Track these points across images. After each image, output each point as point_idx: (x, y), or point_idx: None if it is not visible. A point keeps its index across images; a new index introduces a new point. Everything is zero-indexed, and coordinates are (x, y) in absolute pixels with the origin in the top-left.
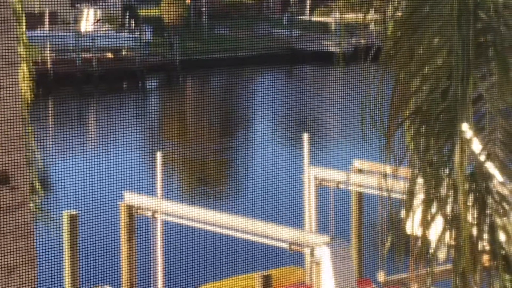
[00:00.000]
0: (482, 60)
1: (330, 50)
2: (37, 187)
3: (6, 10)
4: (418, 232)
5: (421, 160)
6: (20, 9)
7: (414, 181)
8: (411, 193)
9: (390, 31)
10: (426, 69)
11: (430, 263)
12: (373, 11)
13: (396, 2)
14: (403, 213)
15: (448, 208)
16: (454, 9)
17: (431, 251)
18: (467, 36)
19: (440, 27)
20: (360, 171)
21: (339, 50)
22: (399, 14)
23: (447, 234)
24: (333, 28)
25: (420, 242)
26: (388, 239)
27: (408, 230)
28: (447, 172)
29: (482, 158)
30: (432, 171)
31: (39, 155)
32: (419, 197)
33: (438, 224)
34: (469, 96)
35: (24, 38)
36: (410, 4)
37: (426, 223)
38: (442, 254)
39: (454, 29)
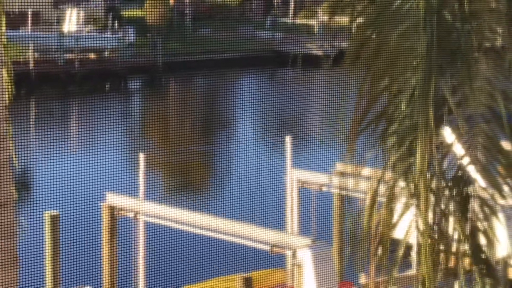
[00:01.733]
0: (447, 62)
1: (314, 52)
2: (18, 187)
3: None
4: (398, 235)
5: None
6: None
7: (393, 184)
8: (390, 196)
9: (354, 34)
10: (393, 71)
11: (409, 266)
12: (356, 15)
13: (361, 6)
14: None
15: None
16: (421, 9)
17: (412, 254)
18: (432, 37)
19: (406, 29)
20: (343, 174)
21: (321, 52)
22: (363, 17)
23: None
24: (316, 30)
25: (396, 245)
26: (369, 242)
27: (396, 235)
28: (428, 176)
29: (464, 162)
30: (404, 174)
31: (20, 156)
32: (399, 201)
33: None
34: (433, 97)
35: (3, 38)
36: (376, 8)
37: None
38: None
39: (419, 31)
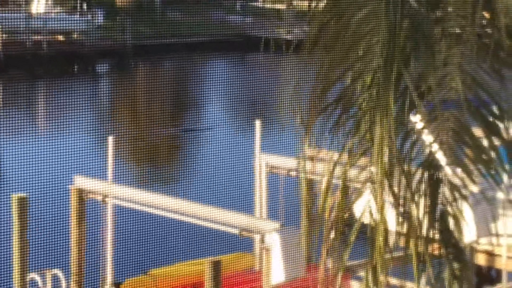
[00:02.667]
0: (410, 47)
1: (283, 37)
2: None
3: None
4: (367, 220)
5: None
6: None
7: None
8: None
9: (315, 19)
10: (352, 56)
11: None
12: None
13: None
14: (354, 200)
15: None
16: None
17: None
18: (395, 21)
19: (368, 13)
20: (311, 158)
21: (290, 37)
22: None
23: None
24: (285, 15)
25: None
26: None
27: (359, 218)
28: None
29: (433, 148)
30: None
31: None
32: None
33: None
34: (394, 81)
35: None
36: None
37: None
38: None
39: (382, 14)
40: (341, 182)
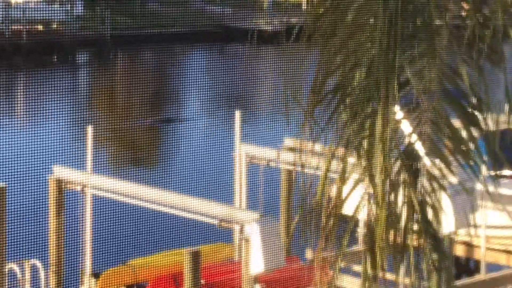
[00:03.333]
0: (408, 38)
1: (264, 28)
2: None
3: None
4: (347, 211)
5: (344, 137)
6: None
7: (343, 160)
8: (341, 172)
9: (312, 7)
10: (350, 45)
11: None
12: None
13: None
14: (331, 191)
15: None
16: None
17: (360, 230)
18: (395, 10)
19: (365, 1)
20: (291, 149)
21: (269, 28)
22: None
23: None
24: (265, 6)
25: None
26: (317, 217)
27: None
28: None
29: (412, 138)
30: (356, 148)
31: None
32: (349, 176)
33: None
34: (396, 72)
35: None
36: None
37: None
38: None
39: (379, 3)
40: (338, 174)
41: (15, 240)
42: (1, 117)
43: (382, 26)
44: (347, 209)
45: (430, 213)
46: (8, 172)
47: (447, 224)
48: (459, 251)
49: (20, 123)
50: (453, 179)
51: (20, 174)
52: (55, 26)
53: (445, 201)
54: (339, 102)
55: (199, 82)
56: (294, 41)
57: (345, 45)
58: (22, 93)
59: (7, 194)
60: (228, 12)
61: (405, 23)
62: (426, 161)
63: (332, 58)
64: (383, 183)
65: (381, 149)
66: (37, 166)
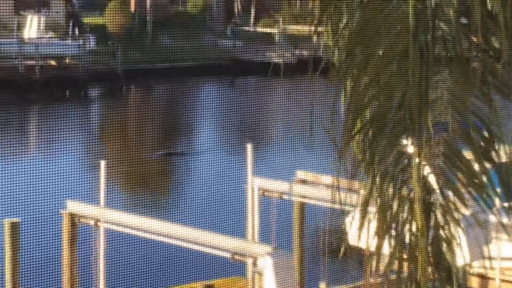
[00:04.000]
0: (437, 70)
1: (274, 61)
2: None
3: None
4: (361, 243)
5: (372, 172)
6: None
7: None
8: (363, 205)
9: (342, 42)
10: (380, 80)
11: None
12: (317, 23)
13: (346, 13)
14: (346, 224)
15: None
16: (410, 18)
17: (375, 263)
18: (426, 45)
19: (395, 36)
20: (303, 182)
21: (280, 61)
22: (351, 25)
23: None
24: (277, 39)
25: (365, 254)
26: (330, 250)
27: (352, 242)
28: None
29: (425, 171)
30: (384, 183)
31: None
32: (365, 209)
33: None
34: (428, 104)
35: None
36: (363, 15)
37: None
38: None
39: (410, 38)
40: (376, 208)
41: (29, 274)
42: (15, 152)
43: (413, 59)
44: (361, 242)
45: (444, 246)
46: (22, 207)
47: (462, 256)
48: (474, 283)
49: (34, 158)
50: (467, 212)
51: (34, 209)
52: (68, 61)
53: (459, 233)
54: (372, 137)
55: (211, 115)
56: (317, 74)
57: (376, 79)
58: (35, 128)
59: (21, 228)
60: (239, 45)
61: (434, 56)
62: (440, 193)
63: (363, 92)
64: (397, 215)
65: (394, 182)
66: (50, 201)
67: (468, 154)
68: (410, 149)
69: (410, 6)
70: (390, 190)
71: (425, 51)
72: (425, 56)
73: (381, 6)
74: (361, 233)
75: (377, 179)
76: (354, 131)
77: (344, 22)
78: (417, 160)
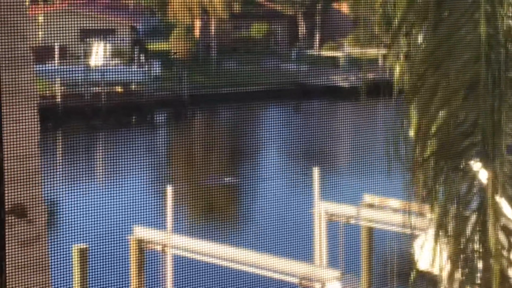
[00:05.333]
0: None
1: (339, 84)
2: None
3: (23, 46)
4: (431, 268)
5: (444, 196)
6: None
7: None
8: (436, 229)
9: (413, 66)
10: (452, 104)
11: None
12: (382, 47)
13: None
14: (415, 249)
15: (472, 245)
16: (482, 42)
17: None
18: (498, 69)
19: (467, 61)
20: (371, 206)
21: (347, 84)
22: (420, 48)
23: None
24: (341, 62)
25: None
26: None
27: (422, 267)
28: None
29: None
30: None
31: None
32: (438, 233)
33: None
34: (501, 129)
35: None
36: (433, 39)
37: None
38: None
39: (482, 62)
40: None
41: None
42: (83, 179)
43: (485, 84)
44: (432, 266)
45: (508, 268)
46: (90, 233)
47: None
48: None
49: (100, 184)
50: None
51: (101, 235)
52: (134, 87)
53: None
54: (444, 162)
55: (276, 140)
56: (384, 97)
57: (448, 103)
58: (101, 154)
59: (89, 254)
60: (303, 69)
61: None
62: (506, 216)
63: (434, 116)
64: (470, 239)
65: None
66: (117, 227)
67: None
68: (483, 173)
69: (482, 31)
70: (463, 214)
71: (497, 75)
72: (497, 80)
73: (452, 31)
74: (433, 258)
75: (448, 203)
76: (425, 156)
77: (415, 47)
78: (490, 183)
